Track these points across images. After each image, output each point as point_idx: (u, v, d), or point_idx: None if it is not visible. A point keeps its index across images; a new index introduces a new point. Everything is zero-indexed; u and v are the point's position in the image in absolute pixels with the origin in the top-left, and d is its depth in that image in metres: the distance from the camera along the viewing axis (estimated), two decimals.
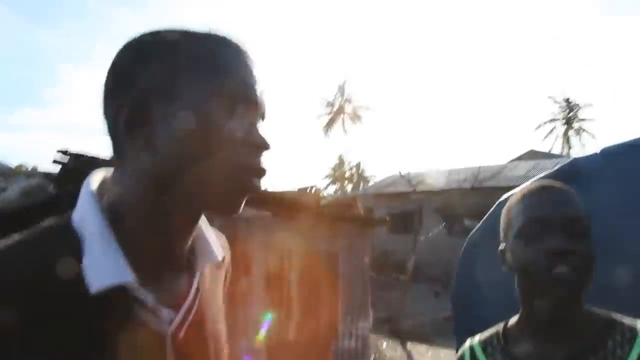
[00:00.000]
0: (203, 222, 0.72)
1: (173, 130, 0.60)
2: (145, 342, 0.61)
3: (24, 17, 63.16)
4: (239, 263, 3.56)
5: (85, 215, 0.62)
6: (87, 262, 0.58)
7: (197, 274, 0.71)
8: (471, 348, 1.08)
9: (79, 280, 0.57)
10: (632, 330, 0.93)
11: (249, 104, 0.64)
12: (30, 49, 64.35)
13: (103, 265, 0.59)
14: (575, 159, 2.05)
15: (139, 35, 0.65)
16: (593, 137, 35.28)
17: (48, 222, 0.64)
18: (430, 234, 15.12)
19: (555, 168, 1.99)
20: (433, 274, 14.73)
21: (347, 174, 41.79)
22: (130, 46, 0.64)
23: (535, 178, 1.91)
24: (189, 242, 0.70)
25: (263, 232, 3.90)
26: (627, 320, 0.95)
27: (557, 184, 1.03)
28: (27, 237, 0.61)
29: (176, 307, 0.66)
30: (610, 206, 1.66)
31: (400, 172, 15.47)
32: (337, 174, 42.69)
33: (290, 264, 4.08)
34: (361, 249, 4.67)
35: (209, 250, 0.73)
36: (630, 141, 1.92)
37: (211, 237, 0.74)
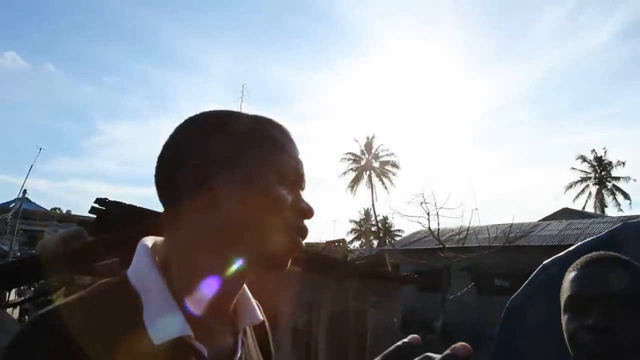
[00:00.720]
0: (245, 285, 0.78)
1: (236, 193, 0.68)
2: None
3: (66, 73, 67.02)
4: (267, 317, 3.56)
5: (142, 273, 0.70)
6: (147, 315, 0.65)
7: (242, 332, 0.76)
8: None
9: (141, 332, 0.64)
10: None
11: (296, 176, 0.74)
12: (70, 102, 67.79)
13: (163, 319, 0.64)
14: (626, 223, 2.02)
15: (201, 113, 0.75)
16: (627, 197, 34.35)
17: (108, 280, 0.71)
18: (459, 293, 14.68)
19: (605, 231, 1.96)
20: (461, 333, 14.18)
21: (374, 229, 41.44)
22: (196, 120, 0.74)
23: (586, 240, 1.91)
24: (235, 301, 0.75)
25: (292, 287, 3.91)
26: None
27: (609, 256, 1.01)
28: (92, 292, 0.68)
29: None
30: None
31: (429, 228, 15.22)
32: (364, 228, 42.38)
33: (319, 318, 4.05)
34: (390, 306, 4.61)
35: (251, 310, 0.79)
36: None
37: (252, 299, 0.80)
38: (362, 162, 40.44)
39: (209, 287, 0.70)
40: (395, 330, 4.53)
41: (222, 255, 0.69)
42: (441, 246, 14.78)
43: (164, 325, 0.64)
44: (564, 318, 0.98)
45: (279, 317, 3.73)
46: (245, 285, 0.78)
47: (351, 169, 40.47)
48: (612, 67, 59.67)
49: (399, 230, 39.50)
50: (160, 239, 0.76)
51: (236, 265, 0.70)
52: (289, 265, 0.72)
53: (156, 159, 0.73)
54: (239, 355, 0.74)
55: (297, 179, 0.74)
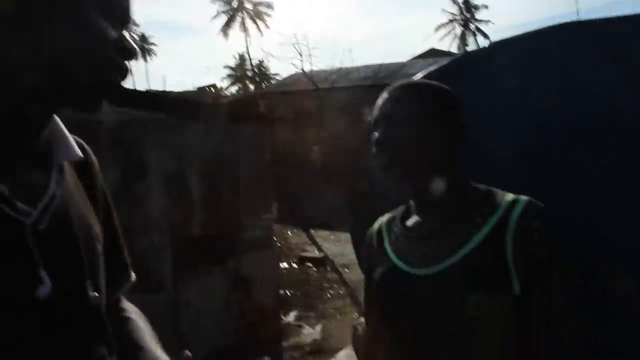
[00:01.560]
0: (59, 122, 0.75)
1: (57, 26, 0.63)
2: (4, 232, 0.61)
3: None
4: (134, 166, 3.44)
5: None
6: None
7: (56, 169, 0.72)
8: (380, 223, 1.24)
9: None
10: (499, 202, 1.03)
11: (122, 13, 0.71)
12: None
13: None
14: (467, 52, 2.19)
15: None
16: (486, 37, 37.27)
17: None
18: (332, 130, 15.58)
19: (448, 61, 2.09)
20: (334, 166, 15.41)
21: (249, 74, 40.60)
22: None
23: (431, 68, 2.00)
24: (45, 139, 0.72)
25: (159, 134, 3.76)
26: (500, 194, 1.05)
27: (405, 82, 1.16)
28: None
29: (35, 200, 0.66)
30: (499, 93, 1.80)
31: (302, 70, 15.33)
32: (239, 74, 41.34)
33: (190, 164, 4.03)
34: (262, 146, 4.71)
35: (68, 146, 0.75)
36: (520, 35, 2.05)
37: (69, 136, 0.77)
38: (234, 4, 37.78)
39: (7, 121, 0.64)
40: (268, 166, 4.72)
41: (26, 85, 0.64)
42: (314, 87, 15.11)
43: None
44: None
45: (146, 166, 3.62)
46: (58, 120, 0.75)
47: (223, 12, 37.79)
48: None
49: (275, 74, 39.19)
50: None
51: (44, 97, 0.67)
52: (102, 105, 0.71)
53: None
54: (51, 192, 0.68)
55: (122, 17, 0.71)
